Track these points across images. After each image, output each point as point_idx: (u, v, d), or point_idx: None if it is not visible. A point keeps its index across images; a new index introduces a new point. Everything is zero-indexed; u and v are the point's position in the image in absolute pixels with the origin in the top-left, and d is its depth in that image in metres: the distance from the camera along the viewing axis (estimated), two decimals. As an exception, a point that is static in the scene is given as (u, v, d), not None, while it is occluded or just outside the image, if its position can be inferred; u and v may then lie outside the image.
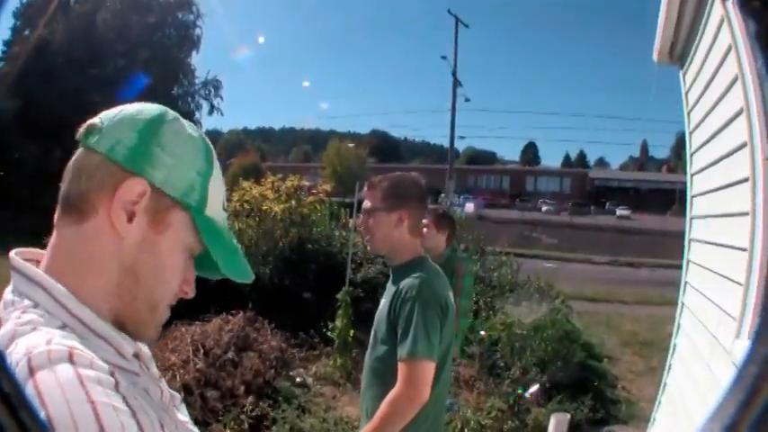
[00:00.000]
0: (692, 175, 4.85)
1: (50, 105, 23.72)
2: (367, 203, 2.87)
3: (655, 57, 5.27)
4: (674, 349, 5.06)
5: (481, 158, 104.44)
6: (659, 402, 5.23)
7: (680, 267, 5.10)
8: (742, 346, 2.68)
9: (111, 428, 0.79)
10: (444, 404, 3.03)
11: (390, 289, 2.77)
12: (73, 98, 23.54)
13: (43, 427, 0.71)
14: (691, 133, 4.82)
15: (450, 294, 2.81)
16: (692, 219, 4.84)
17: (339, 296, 8.05)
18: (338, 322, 7.96)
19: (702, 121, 4.28)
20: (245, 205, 10.80)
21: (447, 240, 5.08)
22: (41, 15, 26.46)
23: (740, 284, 2.83)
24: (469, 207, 40.99)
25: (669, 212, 49.88)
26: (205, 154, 1.14)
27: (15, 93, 24.49)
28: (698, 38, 4.27)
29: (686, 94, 4.88)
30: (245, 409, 5.98)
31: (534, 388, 7.13)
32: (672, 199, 53.63)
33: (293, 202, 10.91)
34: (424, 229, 4.71)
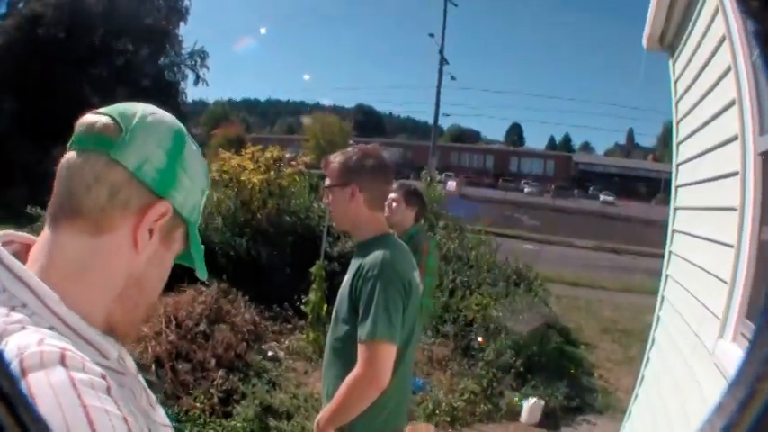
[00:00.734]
0: (677, 165, 4.79)
1: (39, 74, 23.79)
2: (326, 180, 2.82)
3: (644, 43, 5.17)
4: (652, 342, 5.03)
5: (466, 137, 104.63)
6: (636, 395, 5.21)
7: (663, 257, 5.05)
8: (725, 347, 2.63)
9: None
10: (408, 387, 2.99)
11: (353, 266, 2.68)
12: (60, 68, 24.04)
13: (44, 428, 0.66)
14: (678, 123, 4.75)
15: (416, 274, 2.72)
16: (675, 209, 4.78)
17: (313, 270, 7.97)
18: (312, 296, 7.91)
19: (691, 111, 4.21)
20: (224, 175, 10.67)
21: (416, 217, 4.98)
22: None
23: (725, 282, 2.77)
24: (451, 185, 41.10)
25: (654, 201, 50.25)
26: (206, 171, 1.19)
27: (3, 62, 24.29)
28: (690, 26, 4.19)
29: (675, 83, 4.81)
30: (215, 383, 5.90)
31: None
32: (657, 188, 54.10)
33: (272, 173, 10.81)
34: (393, 204, 4.66)
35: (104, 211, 1.00)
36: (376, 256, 2.55)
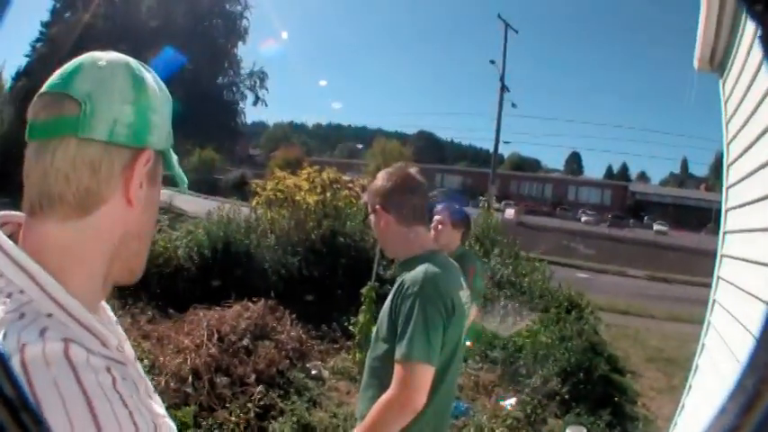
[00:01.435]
0: (727, 189, 4.67)
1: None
2: None
3: (696, 64, 5.10)
4: (695, 369, 4.89)
5: (526, 165, 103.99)
6: (675, 423, 5.06)
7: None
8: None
9: (109, 430, 0.78)
10: (448, 412, 2.83)
11: (396, 283, 2.58)
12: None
13: (47, 430, 0.65)
14: (728, 144, 4.63)
15: (463, 293, 2.64)
16: (725, 233, 4.65)
17: (364, 291, 7.97)
18: (361, 317, 7.88)
19: (740, 131, 4.10)
20: (279, 194, 10.78)
21: (461, 239, 4.97)
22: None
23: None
24: (510, 212, 41.01)
25: (704, 231, 49.43)
26: (167, 91, 1.11)
27: (48, 74, 24.84)
28: (736, 44, 4.12)
29: (725, 103, 4.70)
30: (253, 398, 5.92)
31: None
32: (708, 218, 53.30)
33: (328, 195, 10.90)
34: (439, 226, 4.65)
35: (89, 191, 0.96)
36: (417, 272, 2.48)
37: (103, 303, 1.11)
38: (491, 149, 53.10)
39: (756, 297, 3.14)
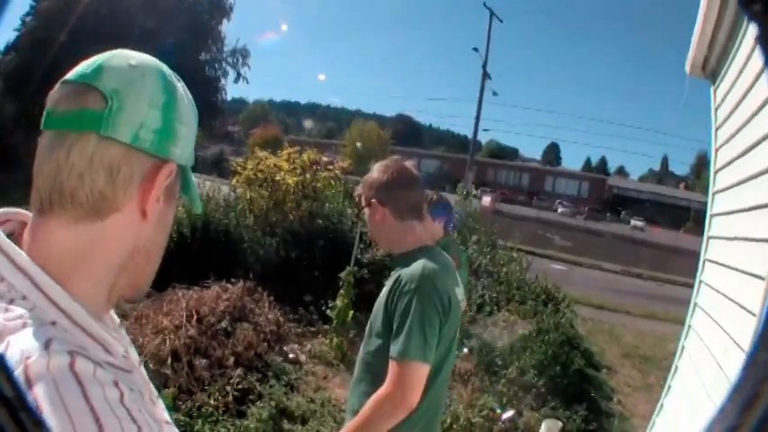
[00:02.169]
0: (713, 194, 4.71)
1: (71, 63, 23.74)
2: None
3: (687, 69, 5.13)
4: (675, 371, 4.95)
5: (504, 153, 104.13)
6: (653, 423, 5.13)
7: (689, 286, 4.98)
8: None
9: None
10: (440, 407, 2.83)
11: (392, 277, 2.58)
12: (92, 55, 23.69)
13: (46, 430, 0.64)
14: (717, 150, 4.68)
15: (458, 290, 2.64)
16: (709, 238, 4.70)
17: (343, 275, 7.95)
18: (338, 302, 7.89)
19: (730, 139, 4.14)
20: (259, 174, 10.71)
21: (444, 227, 4.85)
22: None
23: (753, 315, 2.70)
24: (486, 200, 41.02)
25: (683, 229, 49.81)
26: (194, 106, 1.08)
27: (37, 48, 24.47)
28: (732, 54, 4.14)
29: (716, 110, 4.74)
30: (231, 381, 5.90)
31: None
32: (686, 216, 53.71)
33: (308, 176, 10.85)
34: None
35: (104, 195, 0.91)
36: (415, 269, 2.47)
37: None
38: (469, 136, 53.27)
39: (738, 304, 3.18)
